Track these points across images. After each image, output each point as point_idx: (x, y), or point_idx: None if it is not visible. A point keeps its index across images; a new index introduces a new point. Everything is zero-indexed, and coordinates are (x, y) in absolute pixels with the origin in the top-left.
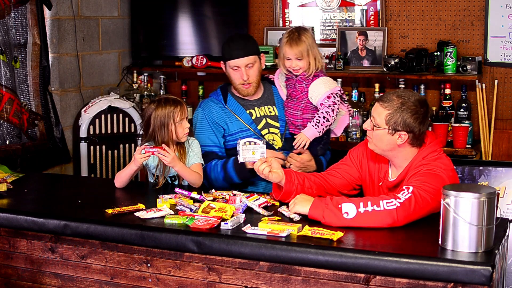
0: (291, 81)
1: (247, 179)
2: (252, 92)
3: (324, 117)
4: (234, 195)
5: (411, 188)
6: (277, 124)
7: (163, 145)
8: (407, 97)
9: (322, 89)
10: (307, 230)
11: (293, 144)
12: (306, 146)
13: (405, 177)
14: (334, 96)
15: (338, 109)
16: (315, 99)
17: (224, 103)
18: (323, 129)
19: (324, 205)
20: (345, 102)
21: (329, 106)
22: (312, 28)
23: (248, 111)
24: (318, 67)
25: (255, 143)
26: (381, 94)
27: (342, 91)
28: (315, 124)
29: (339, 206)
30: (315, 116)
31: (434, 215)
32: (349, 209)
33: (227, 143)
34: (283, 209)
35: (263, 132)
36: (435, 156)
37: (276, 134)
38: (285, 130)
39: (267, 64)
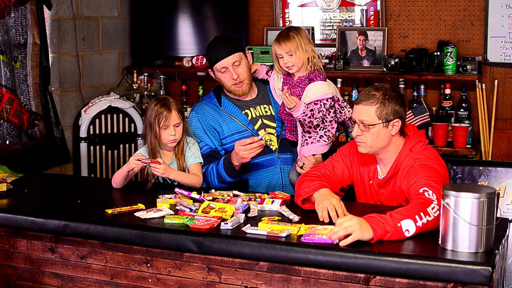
0: (286, 85)
1: (238, 177)
2: (246, 90)
3: (309, 118)
4: (235, 195)
5: (429, 190)
6: (274, 124)
7: (158, 159)
8: (383, 87)
9: (311, 94)
10: (306, 230)
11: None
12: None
13: (395, 172)
14: (320, 104)
15: (321, 116)
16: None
17: (218, 105)
18: (312, 127)
19: (384, 230)
20: (342, 109)
21: (311, 110)
22: (312, 28)
23: (244, 112)
24: (313, 64)
25: None
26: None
27: (335, 98)
28: (304, 141)
29: (398, 225)
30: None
31: None
32: (409, 226)
33: (224, 146)
34: (283, 209)
35: (260, 133)
36: (421, 147)
37: (273, 134)
38: (282, 130)
39: (267, 64)
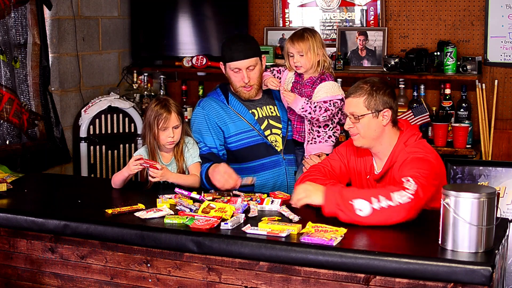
0: (297, 85)
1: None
2: (253, 95)
3: (309, 113)
4: (235, 195)
5: (412, 179)
6: (279, 125)
7: (157, 164)
8: (372, 80)
9: (322, 93)
10: (311, 227)
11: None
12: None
13: (390, 166)
14: (330, 103)
15: (329, 115)
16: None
17: (226, 103)
18: (322, 127)
19: (335, 204)
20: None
21: (317, 105)
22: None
23: (250, 111)
24: (323, 67)
25: None
26: None
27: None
28: (311, 140)
29: (350, 202)
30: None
31: (434, 215)
32: (362, 206)
33: (229, 145)
34: (283, 209)
35: (266, 133)
36: (415, 140)
37: (279, 135)
38: (287, 132)
39: (267, 64)
